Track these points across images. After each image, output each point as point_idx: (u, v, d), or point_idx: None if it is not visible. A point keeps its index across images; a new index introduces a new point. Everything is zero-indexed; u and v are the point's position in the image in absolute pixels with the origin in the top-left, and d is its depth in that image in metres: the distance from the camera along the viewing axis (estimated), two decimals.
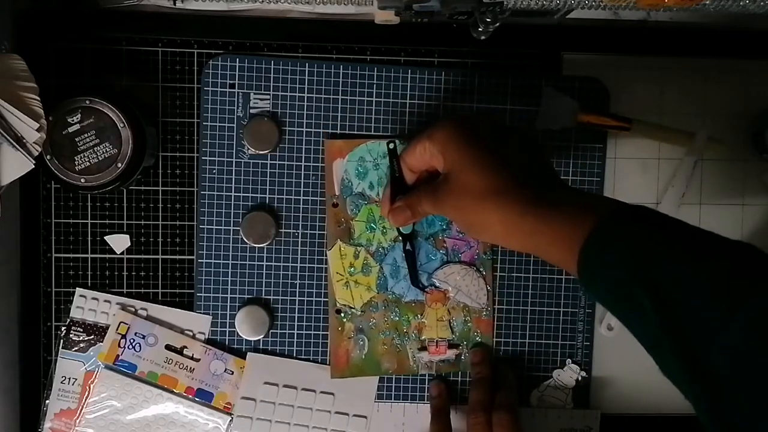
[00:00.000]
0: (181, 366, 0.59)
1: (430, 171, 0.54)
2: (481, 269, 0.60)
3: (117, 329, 0.59)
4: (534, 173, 0.48)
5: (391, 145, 0.58)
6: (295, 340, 0.61)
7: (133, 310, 0.60)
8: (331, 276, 0.60)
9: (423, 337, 0.60)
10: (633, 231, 0.40)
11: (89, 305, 0.60)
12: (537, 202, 0.45)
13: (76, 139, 0.54)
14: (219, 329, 0.61)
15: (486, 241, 0.58)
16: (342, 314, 0.60)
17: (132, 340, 0.59)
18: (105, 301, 0.60)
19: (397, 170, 0.56)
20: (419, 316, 0.60)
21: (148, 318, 0.60)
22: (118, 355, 0.59)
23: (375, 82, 0.60)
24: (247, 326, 0.60)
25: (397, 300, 0.60)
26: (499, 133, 0.50)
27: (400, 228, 0.59)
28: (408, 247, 0.59)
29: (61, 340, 0.59)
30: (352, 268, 0.60)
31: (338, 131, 0.60)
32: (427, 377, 0.62)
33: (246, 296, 0.61)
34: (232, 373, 0.60)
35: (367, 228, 0.60)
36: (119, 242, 0.60)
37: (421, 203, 0.53)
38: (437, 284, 0.60)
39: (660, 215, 0.41)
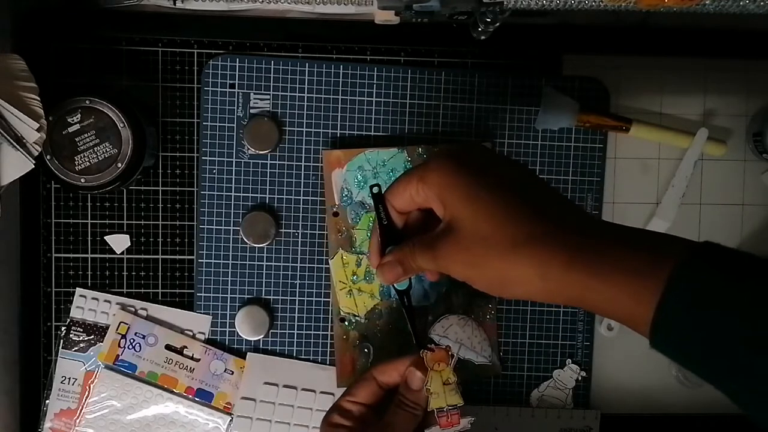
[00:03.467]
0: (181, 366, 0.59)
1: (421, 209, 0.46)
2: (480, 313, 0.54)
3: (117, 329, 0.59)
4: (567, 213, 0.40)
5: (375, 189, 0.49)
6: (295, 340, 0.61)
7: (133, 310, 0.60)
8: (334, 284, 0.60)
9: (431, 408, 0.50)
10: (721, 278, 0.34)
11: (89, 305, 0.60)
12: (586, 250, 0.37)
13: (76, 139, 0.54)
14: (219, 329, 0.61)
15: (516, 298, 0.46)
16: (346, 322, 0.60)
17: (132, 340, 0.59)
18: (105, 301, 0.60)
19: (384, 217, 0.47)
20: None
21: (148, 318, 0.60)
22: (118, 355, 0.59)
23: (375, 82, 0.60)
24: (247, 326, 0.60)
25: (401, 306, 0.60)
26: (507, 167, 0.43)
27: (395, 285, 0.50)
28: (407, 304, 0.51)
29: (61, 340, 0.59)
30: (355, 276, 0.60)
31: (338, 131, 0.60)
32: None
33: (246, 296, 0.61)
34: (232, 373, 0.60)
35: (368, 236, 0.60)
36: (119, 242, 0.60)
37: (415, 258, 0.44)
38: (436, 341, 0.53)
39: (736, 254, 0.35)
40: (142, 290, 0.60)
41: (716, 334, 0.33)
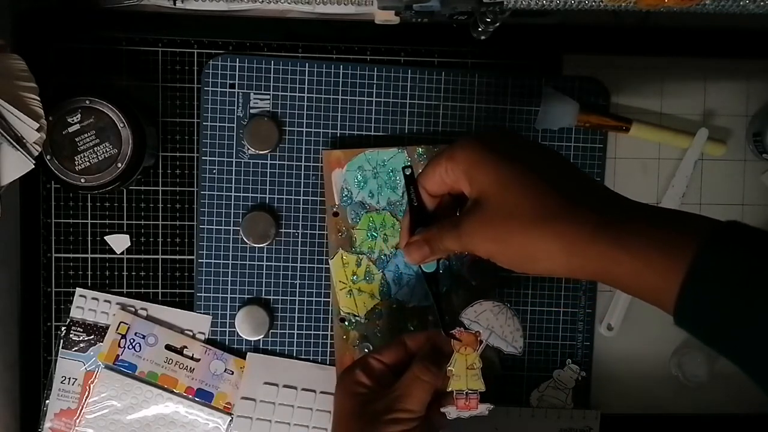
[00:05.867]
0: (181, 366, 0.59)
1: (453, 194, 0.46)
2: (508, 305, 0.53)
3: (117, 329, 0.59)
4: (593, 190, 0.41)
5: (408, 171, 0.49)
6: (295, 340, 0.61)
7: (133, 310, 0.60)
8: (334, 284, 0.60)
9: (450, 389, 0.50)
10: (750, 255, 0.34)
11: (89, 305, 0.60)
12: (612, 224, 0.38)
13: (76, 139, 0.54)
14: (219, 329, 0.61)
15: (539, 274, 0.44)
16: (346, 322, 0.60)
17: (132, 340, 0.59)
18: (105, 301, 0.60)
19: (415, 198, 0.47)
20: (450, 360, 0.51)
21: (148, 318, 0.60)
22: (118, 355, 0.59)
23: (375, 82, 0.60)
24: (247, 326, 0.60)
25: (401, 306, 0.60)
26: (532, 148, 0.43)
27: (423, 266, 0.50)
28: (434, 289, 0.51)
29: (61, 340, 0.59)
30: (355, 276, 0.60)
31: (338, 131, 0.60)
32: None
33: (246, 296, 0.61)
34: (232, 373, 0.60)
35: (368, 236, 0.60)
36: (119, 242, 0.60)
37: (442, 239, 0.44)
38: (467, 325, 0.52)
39: (763, 232, 0.35)
40: (142, 290, 0.60)
41: (743, 310, 0.33)
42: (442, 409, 0.51)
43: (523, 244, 0.40)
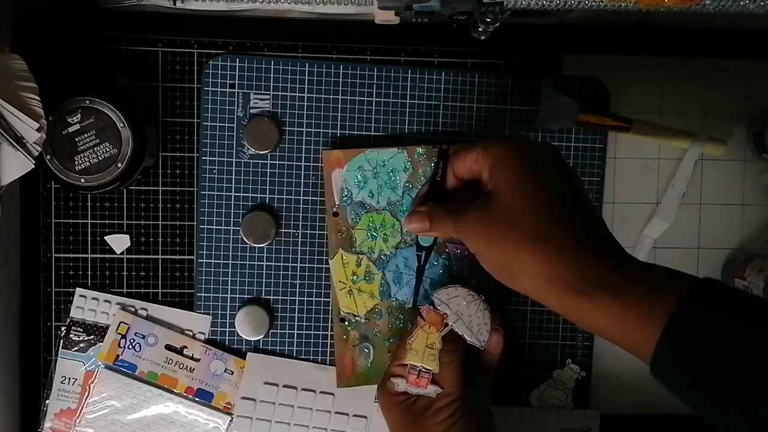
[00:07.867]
0: (181, 366, 0.60)
1: (474, 178, 0.47)
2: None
3: (117, 329, 0.59)
4: (597, 230, 0.41)
5: (445, 146, 0.52)
6: (295, 340, 0.61)
7: (133, 310, 0.60)
8: (334, 284, 0.60)
9: (406, 362, 0.52)
10: (722, 313, 0.35)
11: (89, 305, 0.60)
12: (607, 265, 0.39)
13: (76, 139, 0.54)
14: (219, 329, 0.61)
15: (514, 288, 0.44)
16: (346, 322, 0.60)
17: (132, 340, 0.59)
18: (105, 301, 0.60)
19: (440, 174, 0.50)
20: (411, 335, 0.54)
21: (148, 318, 0.60)
22: (118, 355, 0.59)
23: (375, 82, 0.60)
24: (247, 326, 0.60)
25: (401, 306, 0.60)
26: (562, 172, 0.44)
27: (419, 238, 0.54)
28: (421, 262, 0.54)
29: (61, 340, 0.59)
30: (355, 276, 0.60)
31: (338, 131, 0.60)
32: None
33: (246, 296, 0.61)
34: (232, 373, 0.60)
35: (368, 236, 0.60)
36: (119, 242, 0.60)
37: (443, 220, 0.47)
38: (437, 304, 0.53)
39: (737, 291, 0.38)
40: (142, 290, 0.60)
41: (720, 364, 0.34)
42: (392, 379, 0.53)
43: (510, 254, 0.40)
